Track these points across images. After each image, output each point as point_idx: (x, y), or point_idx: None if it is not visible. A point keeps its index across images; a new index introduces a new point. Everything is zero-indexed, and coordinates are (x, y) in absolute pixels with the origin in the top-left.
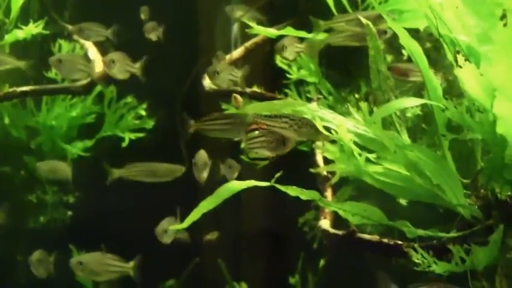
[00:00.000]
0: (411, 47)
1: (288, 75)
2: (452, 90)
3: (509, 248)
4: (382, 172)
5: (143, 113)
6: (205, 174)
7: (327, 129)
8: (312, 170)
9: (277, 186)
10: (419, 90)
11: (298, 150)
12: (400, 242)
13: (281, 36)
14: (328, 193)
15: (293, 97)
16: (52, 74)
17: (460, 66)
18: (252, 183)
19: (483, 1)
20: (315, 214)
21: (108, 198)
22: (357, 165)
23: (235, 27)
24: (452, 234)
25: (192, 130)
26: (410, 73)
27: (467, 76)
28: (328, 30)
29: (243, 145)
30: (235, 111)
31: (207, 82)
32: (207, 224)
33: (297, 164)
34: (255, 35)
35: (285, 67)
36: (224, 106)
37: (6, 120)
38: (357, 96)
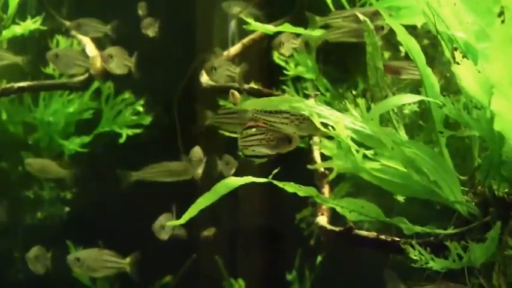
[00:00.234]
0: (409, 43)
1: (286, 72)
2: (450, 87)
3: (507, 245)
4: (380, 169)
5: (140, 109)
6: (200, 171)
7: (325, 125)
8: (309, 166)
9: (275, 182)
10: (416, 87)
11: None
12: (397, 239)
13: (278, 33)
14: (326, 189)
15: (290, 93)
16: (50, 69)
17: (458, 63)
18: (249, 179)
19: None
20: (312, 210)
21: (105, 194)
22: (354, 162)
23: (233, 24)
24: (450, 231)
25: (208, 123)
26: (402, 71)
27: (464, 73)
28: (325, 27)
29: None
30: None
31: (204, 78)
32: (204, 220)
33: (294, 160)
34: (252, 31)
35: (282, 63)
36: (221, 102)
37: (4, 116)
38: (354, 92)
